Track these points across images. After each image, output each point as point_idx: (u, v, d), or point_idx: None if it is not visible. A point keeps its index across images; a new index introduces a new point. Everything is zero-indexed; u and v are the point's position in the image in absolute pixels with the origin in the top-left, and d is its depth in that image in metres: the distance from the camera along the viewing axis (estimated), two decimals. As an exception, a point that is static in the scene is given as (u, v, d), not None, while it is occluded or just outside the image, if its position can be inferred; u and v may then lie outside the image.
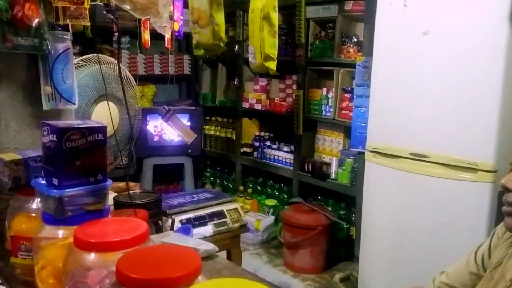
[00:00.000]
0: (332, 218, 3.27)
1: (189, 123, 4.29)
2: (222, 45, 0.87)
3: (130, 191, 3.04)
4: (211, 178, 4.73)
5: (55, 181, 1.13)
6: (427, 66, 2.36)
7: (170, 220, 2.20)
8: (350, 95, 3.43)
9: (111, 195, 2.34)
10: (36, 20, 1.33)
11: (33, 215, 1.28)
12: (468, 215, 2.22)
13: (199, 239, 1.52)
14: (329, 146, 3.82)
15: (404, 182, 2.46)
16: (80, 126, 1.13)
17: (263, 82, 4.14)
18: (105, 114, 2.17)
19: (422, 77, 2.38)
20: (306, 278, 3.20)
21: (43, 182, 1.17)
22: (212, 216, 2.50)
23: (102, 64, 2.21)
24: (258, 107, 4.14)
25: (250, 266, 3.30)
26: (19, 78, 1.39)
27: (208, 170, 4.81)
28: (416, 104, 2.42)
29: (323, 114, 3.66)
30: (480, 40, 2.16)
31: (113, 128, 2.16)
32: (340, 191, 3.53)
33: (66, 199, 1.12)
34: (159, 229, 1.97)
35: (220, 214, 2.54)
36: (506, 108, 2.14)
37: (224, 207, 2.59)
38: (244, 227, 2.62)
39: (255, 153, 4.24)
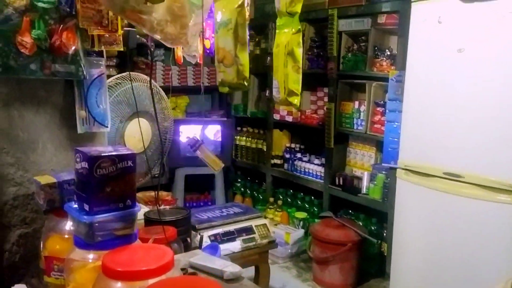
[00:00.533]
0: (363, 234, 3.22)
1: (220, 135, 4.34)
2: (246, 84, 0.88)
3: (161, 204, 3.12)
4: (242, 189, 4.75)
5: (86, 207, 1.17)
6: (462, 83, 2.30)
7: (198, 236, 2.23)
8: (383, 109, 3.38)
9: (143, 210, 2.41)
10: (73, 48, 1.38)
11: (66, 236, 1.32)
12: (504, 239, 2.14)
13: (226, 260, 1.53)
14: (361, 160, 3.77)
15: (437, 202, 2.40)
16: (111, 154, 1.17)
17: None
18: (138, 130, 2.23)
19: (457, 94, 2.32)
20: (335, 294, 3.17)
21: (75, 206, 1.22)
22: (240, 231, 2.52)
23: (136, 82, 2.28)
24: (289, 119, 4.14)
25: (279, 280, 3.29)
26: (56, 103, 1.44)
27: (239, 180, 4.83)
28: (450, 122, 2.36)
29: (355, 127, 3.62)
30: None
31: (144, 146, 2.22)
32: (371, 206, 3.47)
33: (96, 224, 1.15)
34: (187, 246, 1.99)
35: (248, 230, 2.55)
36: (546, 129, 2.06)
37: (253, 223, 2.60)
38: (272, 243, 2.63)
39: (285, 165, 4.24)
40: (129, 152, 1.20)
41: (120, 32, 1.41)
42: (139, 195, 2.71)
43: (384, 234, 3.43)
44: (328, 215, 3.49)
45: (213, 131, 4.39)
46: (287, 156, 4.22)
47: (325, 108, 3.81)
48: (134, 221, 1.23)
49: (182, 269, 1.38)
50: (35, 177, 1.33)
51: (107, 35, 1.42)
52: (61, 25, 1.35)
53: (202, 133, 4.41)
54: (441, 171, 2.38)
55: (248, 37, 0.88)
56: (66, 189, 1.33)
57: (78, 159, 1.18)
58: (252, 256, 2.50)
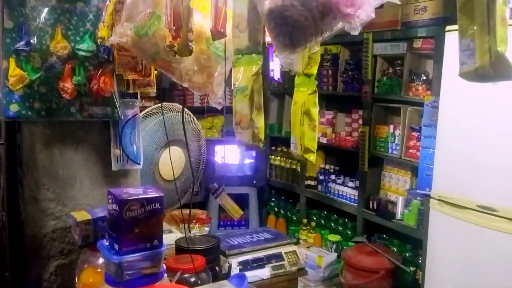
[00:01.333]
0: (396, 262, 3.17)
1: (254, 154, 4.40)
2: (261, 145, 0.93)
3: (196, 223, 3.18)
4: (276, 208, 4.77)
5: (116, 247, 1.24)
6: (497, 114, 2.25)
7: (227, 264, 2.27)
8: (418, 134, 3.33)
9: (175, 233, 2.48)
10: (110, 91, 1.47)
11: (99, 270, 1.40)
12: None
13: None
14: (396, 184, 3.72)
15: (471, 235, 2.35)
16: (140, 197, 1.24)
17: (329, 115, 4.15)
18: (172, 158, 2.32)
19: (492, 125, 2.27)
20: (366, 322, 3.13)
21: (107, 244, 1.30)
22: (270, 258, 2.54)
23: (170, 112, 2.38)
24: (324, 140, 4.14)
25: (310, 305, 3.29)
26: (93, 142, 1.54)
27: (273, 200, 4.86)
28: (485, 153, 2.31)
29: (389, 151, 3.59)
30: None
31: (173, 176, 2.30)
32: (406, 233, 3.41)
33: (125, 264, 1.22)
34: (216, 274, 2.04)
35: (278, 257, 2.57)
36: None
37: (283, 250, 2.61)
38: (301, 270, 2.63)
39: (319, 186, 4.24)
40: (157, 194, 1.27)
41: (153, 76, 1.49)
42: (174, 212, 2.79)
43: (419, 261, 3.36)
44: (361, 240, 3.46)
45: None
46: (321, 177, 4.22)
47: (359, 131, 3.80)
48: (161, 260, 1.30)
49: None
50: (72, 212, 1.42)
51: (141, 78, 1.50)
52: (99, 71, 1.45)
53: (241, 154, 4.49)
54: (475, 204, 2.33)
55: (262, 102, 0.93)
56: (99, 226, 1.41)
57: (110, 201, 1.26)
58: (281, 283, 2.51)
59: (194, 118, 2.52)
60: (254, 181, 4.35)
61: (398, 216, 3.49)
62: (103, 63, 1.46)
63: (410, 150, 3.41)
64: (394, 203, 3.57)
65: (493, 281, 2.24)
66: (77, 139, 1.51)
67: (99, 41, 1.33)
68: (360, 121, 3.84)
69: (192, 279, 1.81)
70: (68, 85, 1.40)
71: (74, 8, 1.41)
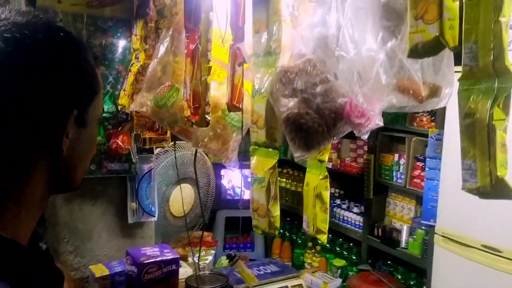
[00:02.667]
0: (400, 292, 3.21)
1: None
2: (276, 233, 0.99)
3: (202, 246, 3.22)
4: (281, 230, 4.81)
5: (134, 308, 1.31)
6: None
7: (236, 303, 2.32)
8: (423, 164, 3.38)
9: (184, 268, 2.53)
10: (127, 148, 1.54)
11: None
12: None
13: None
14: (400, 212, 3.76)
15: (475, 273, 2.39)
16: (157, 259, 1.30)
17: (334, 140, 4.20)
18: (182, 195, 2.39)
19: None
20: None
21: (125, 303, 1.36)
22: (277, 292, 2.59)
23: (183, 150, 2.45)
24: (329, 165, 4.19)
25: (315, 332, 3.32)
26: (111, 196, 1.61)
27: (279, 221, 4.90)
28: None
29: (395, 179, 3.64)
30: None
31: (184, 212, 2.37)
32: (410, 262, 3.45)
33: (143, 324, 1.29)
34: (225, 314, 2.09)
35: (285, 290, 2.62)
36: None
37: (289, 283, 2.66)
38: (308, 304, 2.68)
39: (324, 211, 4.28)
40: (173, 256, 1.33)
41: (169, 134, 1.55)
42: (182, 234, 2.84)
43: (424, 289, 3.40)
44: (366, 269, 3.50)
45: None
46: (326, 202, 4.26)
47: (364, 157, 3.85)
48: (177, 319, 1.36)
49: None
50: (90, 266, 1.48)
51: (158, 137, 1.57)
52: (118, 129, 1.52)
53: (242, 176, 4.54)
54: (479, 243, 2.38)
55: (278, 192, 0.99)
56: (117, 280, 1.47)
57: (128, 261, 1.32)
58: (287, 317, 2.56)
59: (205, 156, 2.59)
60: (260, 205, 4.40)
61: (403, 244, 3.53)
62: (121, 122, 1.52)
63: (415, 180, 3.46)
64: (399, 231, 3.62)
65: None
66: (95, 194, 1.57)
67: (119, 107, 1.40)
68: (365, 147, 3.89)
69: (203, 321, 1.87)
70: (88, 145, 1.46)
71: (95, 72, 1.48)
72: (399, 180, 3.59)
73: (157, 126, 1.52)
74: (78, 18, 1.40)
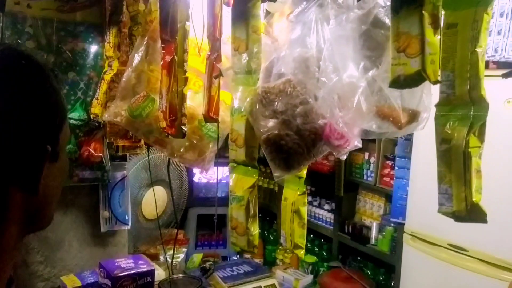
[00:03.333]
0: (370, 289, 3.28)
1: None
2: (255, 251, 0.99)
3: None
4: (253, 227, 4.83)
5: (108, 320, 1.29)
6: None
7: (210, 307, 2.32)
8: (392, 163, 3.45)
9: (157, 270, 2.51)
10: (100, 156, 1.51)
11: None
12: (506, 318, 2.20)
13: None
14: (370, 209, 3.84)
15: (443, 273, 2.47)
16: (132, 272, 1.28)
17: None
18: (153, 198, 2.36)
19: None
20: None
21: (98, 315, 1.34)
22: (250, 292, 2.60)
23: (156, 153, 2.41)
24: (301, 163, 4.22)
25: (287, 329, 3.36)
26: (82, 204, 1.57)
27: (251, 218, 4.92)
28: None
29: (365, 178, 3.70)
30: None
31: (157, 215, 2.34)
32: (379, 258, 3.53)
33: (118, 338, 1.27)
34: (199, 318, 2.09)
35: (258, 291, 2.63)
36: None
37: (262, 283, 2.68)
38: (280, 304, 2.71)
39: (296, 208, 4.31)
40: (148, 268, 1.31)
41: (143, 141, 1.53)
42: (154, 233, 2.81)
43: (392, 284, 3.48)
44: (336, 265, 3.56)
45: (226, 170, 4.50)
46: (298, 199, 4.30)
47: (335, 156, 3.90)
48: (152, 330, 1.35)
49: None
50: (62, 277, 1.45)
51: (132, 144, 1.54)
52: (90, 137, 1.48)
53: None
54: (446, 242, 2.45)
55: (257, 211, 0.99)
56: (89, 292, 1.45)
57: (102, 274, 1.30)
58: (260, 317, 2.58)
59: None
60: (232, 202, 4.40)
61: (372, 241, 3.61)
62: (93, 130, 1.49)
63: (384, 178, 3.53)
64: (369, 228, 3.69)
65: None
66: (66, 203, 1.53)
67: (92, 116, 1.36)
68: (337, 146, 3.93)
69: (176, 327, 1.86)
70: (59, 153, 1.42)
71: (66, 78, 1.43)
72: (369, 179, 3.65)
73: (131, 134, 1.49)
74: (48, 23, 1.35)
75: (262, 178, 4.71)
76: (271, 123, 0.83)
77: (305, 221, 1.03)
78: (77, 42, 1.41)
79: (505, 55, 2.34)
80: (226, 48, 1.17)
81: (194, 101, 1.33)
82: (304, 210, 1.03)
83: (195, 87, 1.38)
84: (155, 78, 1.36)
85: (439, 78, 0.63)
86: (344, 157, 0.85)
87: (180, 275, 2.40)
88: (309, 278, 3.92)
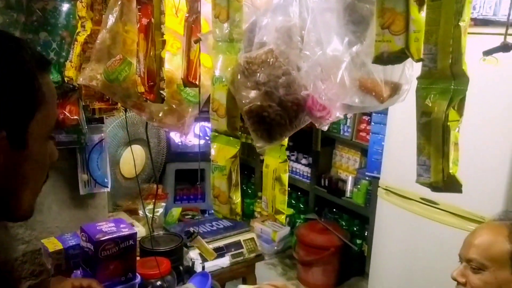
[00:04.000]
0: (345, 240, 3.41)
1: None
2: (238, 218, 1.00)
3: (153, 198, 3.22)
4: (231, 181, 4.89)
5: (92, 283, 1.30)
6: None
7: (190, 262, 2.38)
8: (369, 118, 3.50)
9: (137, 227, 2.53)
10: (75, 119, 1.47)
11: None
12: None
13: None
14: (346, 163, 3.92)
15: (415, 225, 2.58)
16: (114, 235, 1.29)
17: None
18: (132, 157, 2.35)
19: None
20: (317, 294, 3.39)
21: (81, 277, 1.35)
22: (229, 247, 2.66)
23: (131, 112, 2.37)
24: (279, 118, 4.23)
25: (265, 279, 3.49)
26: (60, 168, 1.55)
27: (229, 172, 4.97)
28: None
29: (341, 133, 3.76)
30: (495, 96, 2.21)
31: (136, 173, 2.34)
32: (354, 210, 3.66)
33: (102, 299, 1.29)
34: (179, 274, 2.13)
35: (237, 245, 2.70)
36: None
37: (241, 237, 2.75)
38: (259, 256, 2.79)
39: (274, 162, 4.37)
40: (130, 231, 1.32)
41: (120, 105, 1.49)
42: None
43: (366, 234, 3.64)
44: (313, 218, 3.67)
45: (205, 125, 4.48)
46: (276, 153, 4.35)
47: (313, 112, 3.92)
48: (135, 291, 1.38)
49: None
50: (43, 240, 1.45)
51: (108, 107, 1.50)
52: (65, 100, 1.44)
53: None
54: (418, 196, 2.55)
55: (239, 180, 1.00)
56: (71, 254, 1.46)
57: (83, 238, 1.30)
58: (240, 269, 2.66)
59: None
60: (211, 156, 4.42)
61: (348, 194, 3.72)
62: (68, 92, 1.45)
63: (361, 133, 3.59)
64: (344, 181, 3.79)
65: (433, 268, 2.49)
66: (43, 166, 1.51)
67: (66, 79, 1.31)
68: (314, 101, 3.95)
69: (158, 283, 1.91)
70: (33, 117, 1.38)
71: (38, 38, 1.37)
72: (346, 134, 3.71)
73: (107, 97, 1.46)
74: (16, -19, 1.28)
75: (240, 133, 4.71)
76: (253, 94, 0.82)
77: (286, 188, 1.04)
78: (48, 1, 1.34)
79: (482, 12, 2.34)
80: (206, 9, 1.13)
81: (172, 64, 1.29)
82: (285, 177, 1.04)
83: (173, 49, 1.34)
84: (131, 40, 1.31)
85: (422, 56, 0.62)
86: (325, 128, 0.86)
87: (161, 232, 2.44)
88: (287, 230, 4.05)
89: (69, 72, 1.28)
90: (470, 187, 2.42)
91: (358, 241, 3.66)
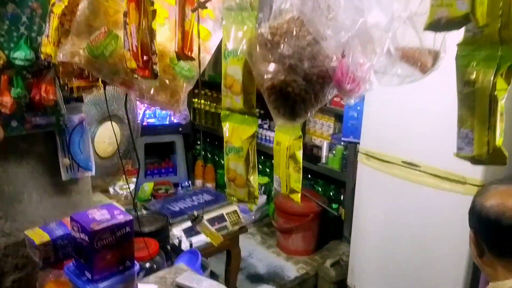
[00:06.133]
0: (324, 206, 3.43)
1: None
2: (256, 202, 0.94)
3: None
4: (203, 152, 4.81)
5: (88, 275, 1.22)
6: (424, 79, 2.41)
7: (177, 240, 2.31)
8: (342, 83, 3.47)
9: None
10: (52, 99, 1.34)
11: (62, 279, 1.36)
12: (455, 226, 2.39)
13: (213, 281, 1.64)
14: (320, 129, 3.91)
15: (396, 188, 2.60)
16: (109, 224, 1.20)
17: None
18: (107, 135, 2.23)
19: (417, 87, 2.42)
20: (298, 260, 3.42)
21: (75, 269, 1.26)
22: (213, 221, 2.62)
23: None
24: (249, 85, 4.14)
25: (245, 248, 3.49)
26: (38, 153, 1.42)
27: (198, 142, 4.87)
28: (409, 114, 2.50)
29: (315, 99, 3.71)
30: None
31: (118, 150, 2.22)
32: (330, 175, 3.67)
33: (100, 291, 1.21)
34: (167, 253, 2.07)
35: (220, 219, 2.66)
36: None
37: (224, 211, 2.70)
38: (243, 228, 2.76)
39: (246, 131, 4.30)
40: (126, 218, 1.23)
41: (101, 83, 1.37)
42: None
43: (342, 198, 3.68)
44: (290, 185, 3.66)
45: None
46: (248, 122, 4.28)
47: (285, 78, 3.85)
48: (134, 279, 1.30)
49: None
50: (27, 231, 1.34)
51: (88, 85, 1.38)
52: (40, 79, 1.30)
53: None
54: (400, 160, 2.56)
55: (256, 161, 0.93)
56: (60, 245, 1.35)
57: (75, 228, 1.20)
58: (224, 243, 2.62)
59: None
60: (180, 129, 4.31)
61: (323, 160, 3.72)
62: (42, 69, 1.31)
63: (335, 99, 3.55)
64: (319, 147, 3.78)
65: (414, 229, 2.55)
66: (20, 152, 1.38)
67: (43, 56, 1.18)
68: (286, 68, 3.87)
69: (148, 265, 1.84)
70: (6, 99, 1.24)
71: (5, 11, 1.21)
72: (319, 99, 3.67)
73: (87, 73, 1.33)
74: None
75: (208, 102, 4.60)
76: (275, 67, 0.74)
77: (301, 165, 0.98)
78: (12, -33, 1.18)
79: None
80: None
81: (161, 36, 1.18)
82: (299, 154, 0.98)
83: (160, 19, 1.22)
84: (113, 10, 1.18)
85: (486, 22, 0.56)
86: (352, 103, 0.80)
87: (144, 212, 2.35)
88: (263, 198, 4.04)
89: (47, 48, 1.14)
90: (449, 147, 2.44)
91: (334, 206, 3.70)
